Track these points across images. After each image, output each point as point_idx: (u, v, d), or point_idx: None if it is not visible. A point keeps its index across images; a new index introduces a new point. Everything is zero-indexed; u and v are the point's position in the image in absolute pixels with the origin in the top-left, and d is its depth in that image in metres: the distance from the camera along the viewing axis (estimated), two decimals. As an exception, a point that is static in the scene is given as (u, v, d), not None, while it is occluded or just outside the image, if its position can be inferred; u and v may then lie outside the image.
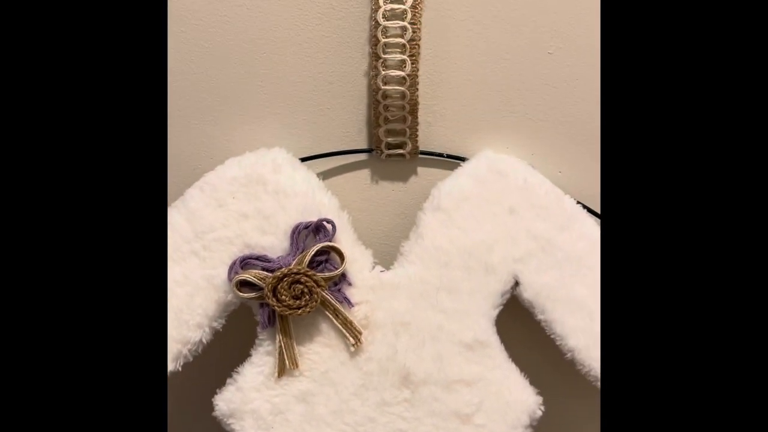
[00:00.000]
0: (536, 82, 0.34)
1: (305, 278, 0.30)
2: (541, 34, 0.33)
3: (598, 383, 0.33)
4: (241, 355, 0.33)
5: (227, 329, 0.34)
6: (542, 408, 0.33)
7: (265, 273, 0.31)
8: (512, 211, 0.33)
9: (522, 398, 0.32)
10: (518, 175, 0.33)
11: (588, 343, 0.32)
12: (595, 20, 0.34)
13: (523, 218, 0.33)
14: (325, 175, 0.35)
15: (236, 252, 0.32)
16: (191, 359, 0.33)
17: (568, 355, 0.33)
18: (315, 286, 0.31)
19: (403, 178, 0.35)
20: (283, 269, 0.31)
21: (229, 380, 0.32)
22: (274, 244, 0.32)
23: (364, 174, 0.36)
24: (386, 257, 0.34)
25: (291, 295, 0.31)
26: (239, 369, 0.33)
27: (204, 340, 0.32)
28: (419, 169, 0.36)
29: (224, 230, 0.32)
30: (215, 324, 0.32)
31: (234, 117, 0.35)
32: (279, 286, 0.31)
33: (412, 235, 0.33)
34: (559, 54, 0.33)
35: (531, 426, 0.33)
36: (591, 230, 0.33)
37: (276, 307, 0.31)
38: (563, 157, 0.35)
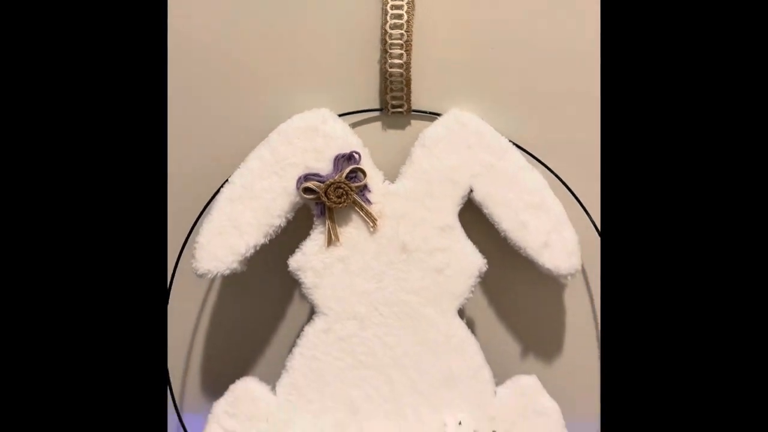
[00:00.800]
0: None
1: (344, 185, 0.49)
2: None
3: (526, 252, 0.52)
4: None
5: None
6: (487, 265, 0.53)
7: (319, 183, 0.51)
8: (469, 147, 0.51)
9: (474, 260, 0.51)
10: (473, 125, 0.51)
11: (513, 225, 0.51)
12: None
13: (476, 152, 0.51)
14: (353, 125, 0.53)
15: (301, 172, 0.50)
16: (273, 237, 0.52)
17: (502, 234, 0.52)
18: (349, 190, 0.50)
19: (402, 127, 0.54)
20: (330, 180, 0.50)
21: (296, 249, 0.52)
22: (324, 167, 0.50)
23: (377, 125, 0.54)
24: (391, 177, 0.52)
25: (335, 195, 0.50)
26: (301, 244, 0.53)
27: (282, 223, 0.51)
28: (412, 122, 0.54)
29: (293, 158, 0.50)
30: (288, 216, 0.52)
31: (286, 88, 0.54)
32: (328, 191, 0.49)
33: (407, 162, 0.51)
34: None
35: (479, 276, 0.53)
36: (519, 159, 0.52)
37: (326, 203, 0.50)
38: (510, 111, 0.54)
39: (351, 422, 0.51)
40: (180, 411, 0.56)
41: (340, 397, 0.51)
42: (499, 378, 0.52)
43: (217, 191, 0.51)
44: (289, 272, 0.51)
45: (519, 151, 0.51)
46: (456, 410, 0.51)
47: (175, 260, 0.53)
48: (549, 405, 0.51)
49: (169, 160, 0.54)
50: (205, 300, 0.57)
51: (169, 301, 0.53)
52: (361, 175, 0.50)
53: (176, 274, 0.53)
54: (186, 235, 0.53)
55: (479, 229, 0.52)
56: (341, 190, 0.49)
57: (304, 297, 0.53)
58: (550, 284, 0.56)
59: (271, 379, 0.52)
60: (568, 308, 0.56)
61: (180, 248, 0.53)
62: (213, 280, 0.57)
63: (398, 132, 0.54)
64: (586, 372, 0.57)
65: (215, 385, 0.53)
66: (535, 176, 0.51)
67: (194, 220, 0.52)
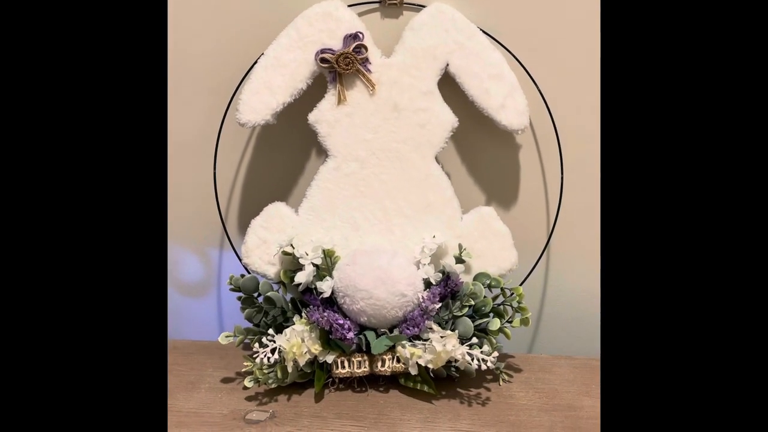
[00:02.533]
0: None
1: (351, 56, 0.65)
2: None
3: (487, 112, 0.69)
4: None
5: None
6: (458, 122, 0.69)
7: (332, 55, 0.66)
8: (446, 30, 0.66)
9: (449, 118, 0.67)
10: (449, 13, 0.66)
11: (478, 92, 0.66)
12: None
13: (451, 33, 0.66)
14: (358, 14, 0.68)
15: (318, 47, 0.66)
16: (297, 98, 0.68)
17: (470, 98, 0.68)
18: (355, 60, 0.66)
19: (396, 15, 0.70)
20: (340, 52, 0.66)
21: (315, 105, 0.69)
22: (336, 44, 0.66)
23: (377, 14, 0.70)
24: (387, 53, 0.67)
25: (344, 63, 0.66)
26: (318, 104, 0.69)
27: (303, 88, 0.67)
28: (404, 12, 0.70)
29: (312, 37, 0.66)
30: (308, 81, 0.67)
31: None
32: (339, 60, 0.65)
33: (399, 42, 0.67)
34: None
35: (452, 131, 0.69)
36: (484, 40, 0.67)
37: (337, 69, 0.66)
38: (481, 3, 0.70)
39: (354, 237, 0.68)
40: (230, 237, 0.74)
41: (346, 218, 0.68)
42: (465, 210, 0.69)
43: (255, 62, 0.67)
44: (308, 125, 0.68)
45: (484, 35, 0.67)
46: (431, 230, 0.68)
47: (222, 115, 0.70)
48: (502, 228, 0.69)
49: (212, 42, 0.70)
50: (245, 149, 0.74)
51: (217, 151, 0.70)
52: (364, 50, 0.66)
53: (223, 127, 0.70)
54: (230, 96, 0.69)
55: (453, 98, 0.68)
56: (348, 60, 0.65)
57: (319, 151, 0.70)
58: (509, 141, 0.73)
59: (295, 207, 0.69)
60: (521, 162, 0.73)
61: (226, 107, 0.70)
62: (252, 133, 0.73)
63: (393, 20, 0.70)
64: (535, 212, 0.74)
65: (254, 213, 0.71)
66: (497, 54, 0.67)
67: (237, 85, 0.69)
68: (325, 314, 0.62)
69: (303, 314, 0.64)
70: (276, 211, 0.69)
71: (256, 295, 0.67)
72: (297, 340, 0.62)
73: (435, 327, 0.63)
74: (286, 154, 0.74)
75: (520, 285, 0.69)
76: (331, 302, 0.66)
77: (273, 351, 0.63)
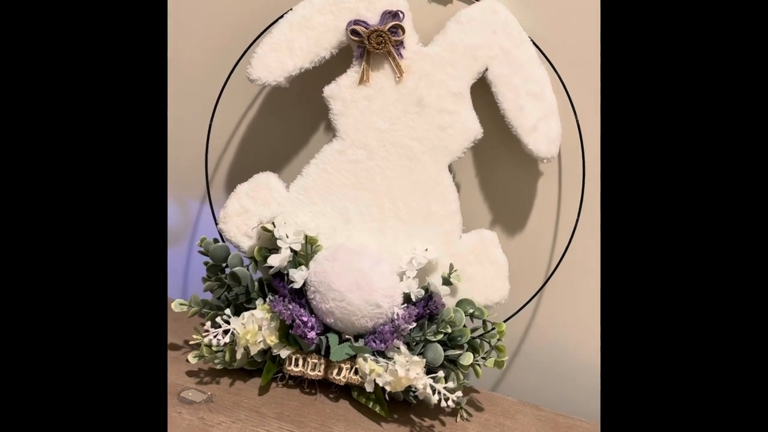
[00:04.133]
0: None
1: (384, 35, 0.59)
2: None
3: (516, 131, 0.63)
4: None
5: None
6: (482, 133, 0.63)
7: (365, 29, 0.60)
8: (494, 32, 0.60)
9: (473, 126, 0.61)
10: (503, 14, 0.60)
11: (512, 106, 0.61)
12: None
13: (499, 37, 0.60)
14: None
15: (353, 16, 0.60)
16: (312, 67, 0.62)
17: (502, 112, 0.62)
18: (388, 40, 0.60)
19: (444, 2, 0.63)
20: (374, 27, 0.59)
21: (334, 79, 0.62)
22: (372, 17, 0.60)
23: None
24: (425, 42, 0.61)
25: (376, 42, 0.59)
26: (337, 78, 0.63)
27: (326, 56, 0.61)
28: (455, 1, 0.63)
29: (349, 3, 0.60)
30: (333, 51, 0.61)
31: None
32: (371, 36, 0.59)
33: (441, 32, 0.61)
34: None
35: (474, 142, 0.63)
36: (532, 52, 0.61)
37: (367, 46, 0.60)
38: (540, 11, 0.63)
39: (343, 229, 0.63)
40: (211, 194, 0.68)
41: (338, 207, 0.63)
42: (467, 228, 0.64)
43: (282, 15, 0.61)
44: (321, 98, 0.62)
45: (534, 46, 0.61)
46: (426, 242, 0.63)
47: (234, 64, 0.63)
48: (500, 257, 0.63)
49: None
50: (249, 107, 0.68)
51: (218, 102, 0.64)
52: (401, 32, 0.60)
53: (231, 78, 0.64)
54: (247, 46, 0.63)
55: (483, 106, 0.62)
56: (381, 39, 0.59)
57: (328, 126, 0.64)
58: (531, 167, 0.67)
59: (288, 182, 0.64)
60: (538, 191, 0.67)
61: (240, 56, 0.63)
62: (260, 92, 0.67)
63: (440, 7, 0.63)
64: (539, 249, 0.69)
65: (243, 178, 0.65)
66: (541, 71, 0.61)
67: (256, 35, 0.63)
68: (290, 307, 0.57)
69: (267, 300, 0.59)
70: (266, 181, 0.63)
71: (224, 266, 0.62)
72: (253, 328, 0.57)
73: (403, 348, 0.58)
74: (291, 123, 0.68)
75: (505, 321, 0.64)
76: (300, 294, 0.61)
77: (225, 333, 0.58)
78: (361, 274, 0.59)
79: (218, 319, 0.58)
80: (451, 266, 0.61)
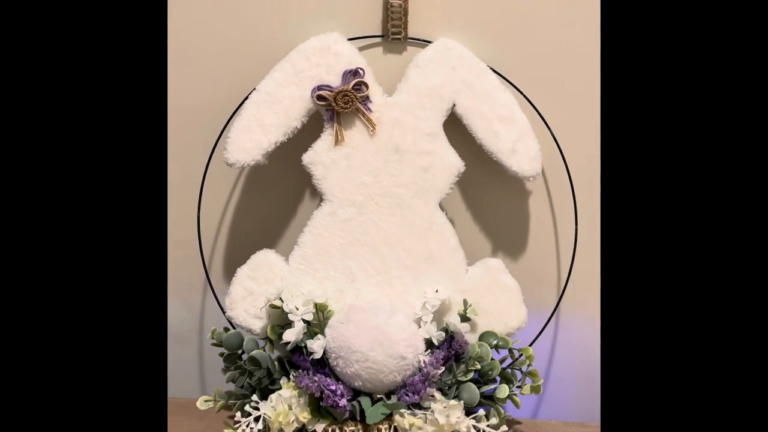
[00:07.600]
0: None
1: (350, 93, 0.60)
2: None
3: (497, 157, 0.63)
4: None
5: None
6: (464, 166, 0.63)
7: (330, 92, 0.61)
8: (453, 68, 0.62)
9: (454, 161, 0.62)
10: (457, 50, 0.62)
11: (487, 134, 0.61)
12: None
13: (458, 72, 0.62)
14: (359, 49, 0.63)
15: (316, 82, 0.61)
16: (290, 137, 0.63)
17: (478, 141, 0.63)
18: (354, 98, 0.61)
19: (399, 51, 0.65)
20: (339, 89, 0.61)
21: (310, 146, 0.63)
22: (334, 80, 0.61)
23: (379, 49, 0.65)
24: (389, 92, 0.62)
25: (343, 102, 0.61)
26: (313, 144, 0.64)
27: (297, 126, 0.62)
28: (409, 47, 0.65)
29: (309, 72, 0.61)
30: (303, 120, 0.62)
31: (302, 16, 0.65)
32: (337, 98, 0.60)
33: (403, 80, 0.62)
34: None
35: (458, 176, 0.63)
36: (494, 80, 0.63)
37: (335, 108, 0.61)
38: (490, 41, 0.65)
39: (350, 289, 0.62)
40: (213, 285, 0.68)
41: (340, 268, 0.62)
42: (471, 261, 0.64)
43: (246, 97, 0.62)
44: (302, 166, 0.62)
45: (494, 74, 0.62)
46: (434, 283, 0.62)
47: (209, 153, 0.64)
48: (510, 283, 0.63)
49: (201, 75, 0.65)
50: (232, 191, 0.69)
51: (202, 192, 0.65)
52: (364, 87, 0.61)
53: (209, 166, 0.64)
54: (218, 134, 0.64)
55: (461, 140, 0.63)
56: (348, 98, 0.60)
57: (313, 192, 0.65)
58: (518, 188, 0.67)
59: (285, 255, 0.64)
60: (531, 210, 0.68)
61: (213, 145, 0.64)
62: (241, 173, 0.68)
63: (396, 56, 0.65)
64: (546, 265, 0.69)
65: (241, 260, 0.65)
66: (507, 95, 0.62)
67: (225, 121, 0.64)
68: (316, 379, 0.56)
69: (291, 377, 0.58)
70: (264, 259, 0.63)
71: (240, 352, 0.61)
72: (284, 408, 0.55)
73: (437, 395, 0.57)
74: (277, 196, 0.68)
75: (530, 345, 0.63)
76: (323, 363, 0.60)
77: (257, 420, 0.56)
78: (378, 329, 0.58)
79: (247, 407, 0.57)
80: (465, 302, 0.61)
